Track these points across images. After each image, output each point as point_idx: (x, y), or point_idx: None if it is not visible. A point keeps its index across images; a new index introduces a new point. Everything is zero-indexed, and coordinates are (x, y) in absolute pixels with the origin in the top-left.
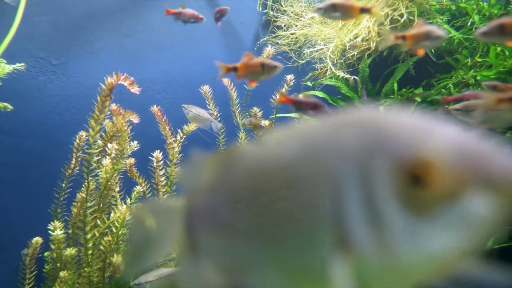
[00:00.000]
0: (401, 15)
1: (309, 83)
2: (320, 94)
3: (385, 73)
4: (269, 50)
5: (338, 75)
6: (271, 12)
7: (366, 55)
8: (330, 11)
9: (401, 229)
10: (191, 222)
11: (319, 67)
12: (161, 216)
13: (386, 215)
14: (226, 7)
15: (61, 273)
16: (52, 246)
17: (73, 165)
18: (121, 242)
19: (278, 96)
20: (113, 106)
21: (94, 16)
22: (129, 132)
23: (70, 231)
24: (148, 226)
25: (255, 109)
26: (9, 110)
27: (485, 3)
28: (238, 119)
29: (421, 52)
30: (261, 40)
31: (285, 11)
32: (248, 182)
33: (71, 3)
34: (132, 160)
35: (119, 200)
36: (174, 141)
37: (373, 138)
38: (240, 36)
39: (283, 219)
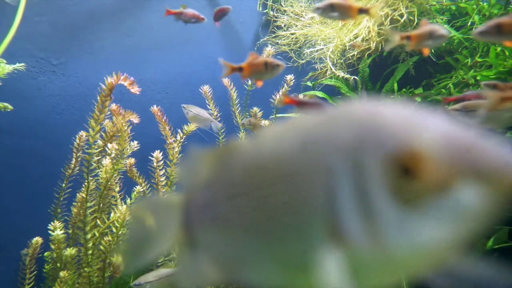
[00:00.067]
0: (401, 15)
1: (309, 83)
2: (320, 94)
3: (385, 73)
4: (269, 50)
5: (338, 75)
6: (271, 12)
7: (366, 55)
8: (328, 10)
9: (392, 221)
10: (188, 218)
11: (319, 67)
12: (159, 212)
13: (378, 207)
14: (228, 6)
15: (61, 273)
16: (52, 246)
17: (73, 165)
18: (121, 242)
19: (278, 96)
20: (113, 106)
21: (94, 16)
22: (129, 132)
23: (70, 231)
24: (146, 222)
25: (255, 109)
26: (9, 110)
27: (485, 3)
28: (238, 119)
29: (426, 52)
30: (261, 40)
31: (285, 11)
32: (244, 177)
33: (71, 3)
34: (132, 160)
35: (119, 200)
36: (174, 141)
37: (365, 131)
38: (240, 36)
39: (278, 213)
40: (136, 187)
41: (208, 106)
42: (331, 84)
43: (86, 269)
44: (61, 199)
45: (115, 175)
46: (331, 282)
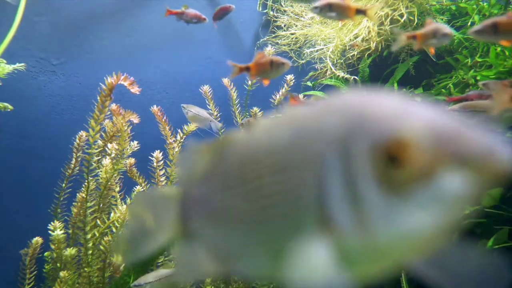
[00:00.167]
0: (401, 15)
1: (309, 83)
2: (320, 94)
3: (385, 73)
4: (269, 50)
5: (338, 75)
6: (271, 12)
7: (366, 55)
8: (326, 10)
9: (378, 209)
10: (185, 211)
11: (319, 67)
12: (156, 205)
13: (365, 195)
14: (231, 5)
15: (61, 273)
16: (52, 246)
17: (73, 165)
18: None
19: (278, 97)
20: (113, 106)
21: (94, 16)
22: (129, 132)
23: (70, 231)
24: (144, 216)
25: (255, 109)
26: (9, 110)
27: (485, 3)
28: (238, 119)
29: (432, 51)
30: (261, 40)
31: (285, 11)
32: (238, 169)
33: (71, 3)
34: (132, 160)
35: (119, 200)
36: (174, 141)
37: (353, 121)
38: (240, 36)
39: (270, 203)
40: (136, 187)
41: (208, 106)
42: (331, 84)
43: (86, 269)
44: (61, 199)
45: (115, 175)
46: (319, 270)
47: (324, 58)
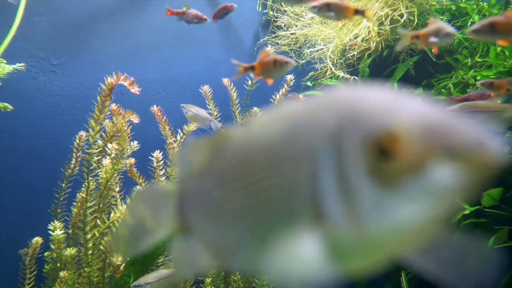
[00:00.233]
0: (401, 15)
1: (309, 83)
2: (320, 94)
3: (385, 73)
4: (269, 50)
5: (338, 75)
6: (271, 12)
7: (366, 55)
8: (325, 10)
9: (370, 202)
10: (183, 206)
11: (319, 67)
12: (155, 201)
13: (357, 188)
14: (233, 4)
15: (61, 273)
16: (52, 246)
17: (73, 165)
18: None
19: (278, 97)
20: (113, 106)
21: (94, 16)
22: (129, 132)
23: (70, 231)
24: (142, 211)
25: (255, 109)
26: (9, 110)
27: (485, 3)
28: (238, 119)
29: (435, 50)
30: (261, 40)
31: (285, 11)
32: (234, 165)
33: (71, 3)
34: (132, 160)
35: (119, 200)
36: (174, 141)
37: (345, 115)
38: (240, 36)
39: (265, 198)
40: (136, 187)
41: (208, 106)
42: (331, 84)
43: (86, 269)
44: (61, 199)
45: (115, 175)
46: (305, 263)
47: (324, 58)
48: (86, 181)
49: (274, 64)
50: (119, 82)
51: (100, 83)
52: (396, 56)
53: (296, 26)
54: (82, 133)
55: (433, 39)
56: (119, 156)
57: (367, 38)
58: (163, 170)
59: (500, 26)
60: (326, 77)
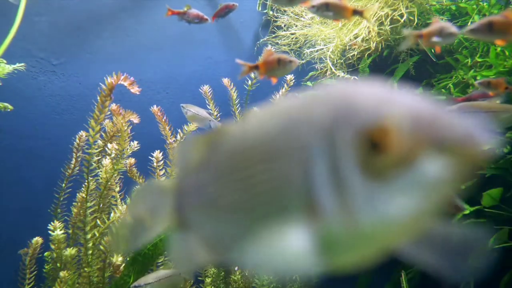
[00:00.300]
0: (401, 15)
1: (309, 83)
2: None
3: (385, 73)
4: (269, 50)
5: (338, 75)
6: (271, 12)
7: (366, 55)
8: (323, 9)
9: (361, 195)
10: (180, 201)
11: (319, 67)
12: (152, 197)
13: (349, 182)
14: (234, 3)
15: (61, 273)
16: (52, 246)
17: (73, 165)
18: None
19: (279, 97)
20: (113, 106)
21: (94, 16)
22: (129, 132)
23: (70, 231)
24: (140, 207)
25: (255, 109)
26: (9, 110)
27: (485, 3)
28: (238, 119)
29: (438, 49)
30: (261, 40)
31: (285, 11)
32: (229, 160)
33: (71, 3)
34: (132, 160)
35: (119, 200)
36: (174, 141)
37: (338, 110)
38: (240, 36)
39: (260, 192)
40: (136, 187)
41: (208, 106)
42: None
43: (86, 269)
44: (61, 199)
45: (115, 175)
46: (299, 256)
47: (324, 58)
48: (86, 181)
49: (278, 63)
50: (119, 82)
51: (100, 83)
52: (396, 56)
53: (296, 26)
54: (82, 133)
55: (435, 39)
56: (119, 156)
57: (367, 38)
58: (163, 170)
59: (498, 26)
60: (326, 77)
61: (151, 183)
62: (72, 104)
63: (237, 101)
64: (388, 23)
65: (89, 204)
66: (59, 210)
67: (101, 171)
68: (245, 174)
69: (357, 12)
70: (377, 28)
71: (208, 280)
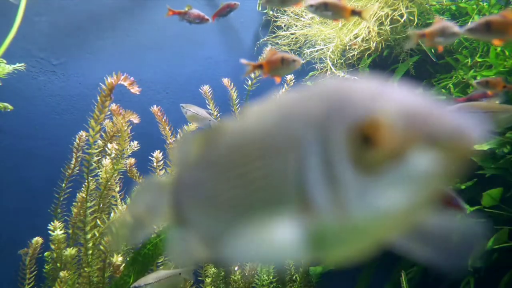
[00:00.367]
0: (401, 15)
1: (309, 83)
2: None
3: (385, 73)
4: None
5: (338, 75)
6: (271, 12)
7: (366, 55)
8: (322, 9)
9: (353, 189)
10: (177, 198)
11: (319, 67)
12: (150, 193)
13: (341, 176)
14: (236, 2)
15: (61, 273)
16: (52, 246)
17: (73, 165)
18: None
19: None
20: (113, 106)
21: (94, 16)
22: (129, 132)
23: (70, 231)
24: (139, 204)
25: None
26: (9, 110)
27: (485, 3)
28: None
29: (440, 48)
30: (261, 40)
31: (285, 11)
32: (226, 156)
33: (71, 3)
34: (132, 160)
35: (119, 200)
36: (174, 141)
37: (331, 105)
38: (240, 36)
39: (256, 188)
40: (136, 187)
41: (208, 106)
42: None
43: (86, 269)
44: (61, 199)
45: (115, 175)
46: (289, 251)
47: (324, 58)
48: (86, 181)
49: (281, 62)
50: (119, 82)
51: (100, 83)
52: (396, 56)
53: (296, 26)
54: (82, 133)
55: (438, 39)
56: (119, 156)
57: (367, 38)
58: (163, 170)
59: (496, 25)
60: (326, 77)
61: (150, 180)
62: (72, 104)
63: (237, 101)
64: (388, 23)
65: (89, 204)
66: (59, 210)
67: (101, 171)
68: (242, 170)
69: (355, 13)
70: (377, 28)
71: (208, 280)
